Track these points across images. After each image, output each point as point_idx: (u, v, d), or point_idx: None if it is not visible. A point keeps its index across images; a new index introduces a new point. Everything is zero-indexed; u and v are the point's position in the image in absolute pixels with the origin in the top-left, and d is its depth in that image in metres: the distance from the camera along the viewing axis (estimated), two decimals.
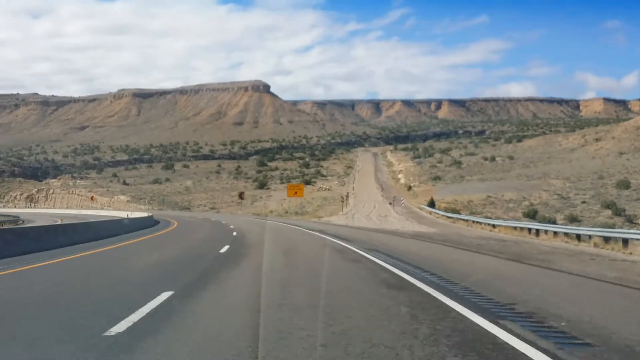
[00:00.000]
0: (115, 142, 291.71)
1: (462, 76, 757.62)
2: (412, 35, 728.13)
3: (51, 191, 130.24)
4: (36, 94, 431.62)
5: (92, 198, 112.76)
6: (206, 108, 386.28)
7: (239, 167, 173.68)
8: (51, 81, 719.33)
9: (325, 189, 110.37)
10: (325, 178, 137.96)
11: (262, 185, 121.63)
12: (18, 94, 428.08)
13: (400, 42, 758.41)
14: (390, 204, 79.55)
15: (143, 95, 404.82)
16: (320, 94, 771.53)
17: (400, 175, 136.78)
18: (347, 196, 64.39)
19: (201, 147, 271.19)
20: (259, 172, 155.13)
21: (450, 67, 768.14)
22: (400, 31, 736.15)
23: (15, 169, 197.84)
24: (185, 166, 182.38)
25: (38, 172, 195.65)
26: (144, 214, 50.18)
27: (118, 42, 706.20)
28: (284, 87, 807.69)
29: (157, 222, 43.16)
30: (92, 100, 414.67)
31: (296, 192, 55.66)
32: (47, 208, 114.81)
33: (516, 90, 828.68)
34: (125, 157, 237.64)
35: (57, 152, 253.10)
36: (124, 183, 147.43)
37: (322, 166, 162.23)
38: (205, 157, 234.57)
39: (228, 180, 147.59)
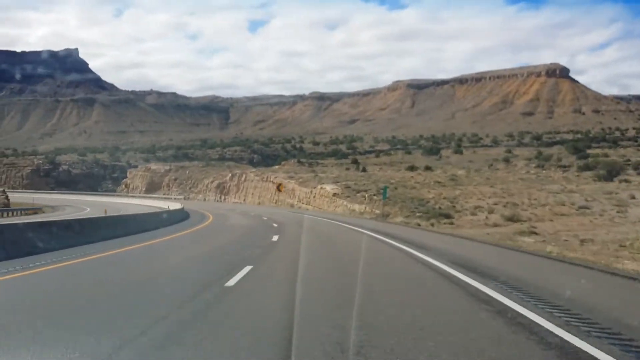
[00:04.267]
0: (383, 134, 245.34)
1: None
2: None
3: (243, 178, 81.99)
4: (316, 91, 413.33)
5: (279, 187, 60.57)
6: (488, 98, 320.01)
7: (540, 153, 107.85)
8: (342, 88, 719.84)
9: None
10: None
11: (612, 175, 56.05)
12: (304, 94, 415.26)
13: None
14: None
15: (418, 87, 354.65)
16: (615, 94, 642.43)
17: None
18: None
19: (481, 139, 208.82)
20: (582, 157, 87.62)
21: None
22: None
23: (255, 156, 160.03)
24: (457, 151, 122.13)
25: (277, 160, 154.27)
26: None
27: (405, 48, 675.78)
28: None
29: None
30: (366, 94, 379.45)
31: None
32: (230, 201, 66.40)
33: None
34: (387, 147, 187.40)
35: (314, 142, 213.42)
36: (363, 170, 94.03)
37: None
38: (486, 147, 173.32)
39: (526, 168, 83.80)
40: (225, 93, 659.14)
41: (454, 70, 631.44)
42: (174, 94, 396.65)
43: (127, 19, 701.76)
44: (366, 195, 50.44)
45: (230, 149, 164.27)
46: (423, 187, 54.82)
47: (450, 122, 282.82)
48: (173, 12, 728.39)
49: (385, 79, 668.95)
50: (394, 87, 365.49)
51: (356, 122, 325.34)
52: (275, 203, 66.29)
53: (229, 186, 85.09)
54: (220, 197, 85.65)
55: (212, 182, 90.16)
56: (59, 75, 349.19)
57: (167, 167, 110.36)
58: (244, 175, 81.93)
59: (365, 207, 46.75)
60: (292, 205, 60.93)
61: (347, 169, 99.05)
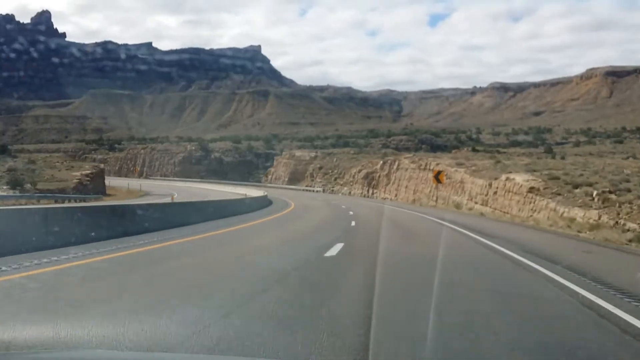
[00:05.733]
0: (574, 127, 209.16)
1: None
2: None
3: (395, 165, 60.88)
4: (496, 82, 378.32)
5: (438, 177, 38.96)
6: None
7: None
8: (524, 81, 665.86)
9: None
10: None
11: None
12: (482, 87, 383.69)
13: None
14: None
15: (618, 74, 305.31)
16: None
17: None
18: None
19: None
20: None
21: None
22: None
23: (423, 146, 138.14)
24: None
25: (448, 150, 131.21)
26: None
27: (597, 38, 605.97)
28: None
29: None
30: (554, 84, 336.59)
31: None
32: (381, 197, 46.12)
33: None
34: (583, 139, 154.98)
35: (494, 133, 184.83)
36: (561, 157, 69.31)
37: None
38: None
39: None
40: (402, 88, 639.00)
41: None
42: (349, 88, 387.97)
43: (310, 17, 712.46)
44: (594, 194, 27.07)
45: (396, 138, 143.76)
46: None
47: None
48: (355, 10, 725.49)
49: (573, 72, 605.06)
50: (587, 76, 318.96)
51: (542, 114, 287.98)
52: (435, 201, 44.77)
53: (379, 176, 64.65)
54: (368, 191, 65.70)
55: (359, 171, 70.51)
56: (241, 71, 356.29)
57: (313, 154, 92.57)
58: (396, 163, 60.75)
59: (599, 216, 23.58)
60: (458, 206, 39.04)
61: (539, 158, 73.97)
